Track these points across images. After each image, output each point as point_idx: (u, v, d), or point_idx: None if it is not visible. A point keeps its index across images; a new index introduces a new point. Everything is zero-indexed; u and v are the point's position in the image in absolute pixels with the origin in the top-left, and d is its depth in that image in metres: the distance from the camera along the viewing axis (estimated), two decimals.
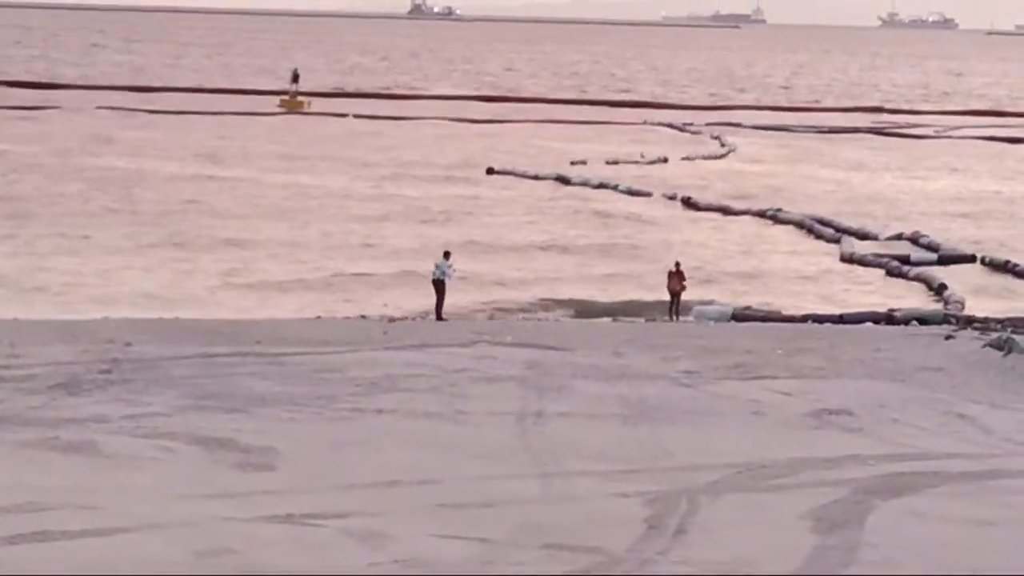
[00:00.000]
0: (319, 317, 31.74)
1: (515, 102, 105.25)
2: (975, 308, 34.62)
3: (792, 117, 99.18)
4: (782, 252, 44.35)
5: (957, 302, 34.87)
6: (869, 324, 32.11)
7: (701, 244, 44.79)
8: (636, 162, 66.57)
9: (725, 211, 51.69)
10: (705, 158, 70.53)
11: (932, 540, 15.96)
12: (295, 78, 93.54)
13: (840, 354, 26.78)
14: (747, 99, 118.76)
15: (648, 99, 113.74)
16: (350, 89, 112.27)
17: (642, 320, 32.71)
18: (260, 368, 23.84)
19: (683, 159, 69.15)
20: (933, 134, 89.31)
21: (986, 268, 41.68)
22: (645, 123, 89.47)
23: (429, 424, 20.56)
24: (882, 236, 45.72)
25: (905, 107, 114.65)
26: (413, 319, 31.29)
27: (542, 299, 35.86)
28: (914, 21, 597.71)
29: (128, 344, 25.44)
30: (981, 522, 16.68)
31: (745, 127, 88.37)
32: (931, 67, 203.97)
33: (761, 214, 50.58)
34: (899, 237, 45.37)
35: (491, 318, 32.55)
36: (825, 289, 38.74)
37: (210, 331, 27.50)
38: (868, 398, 22.92)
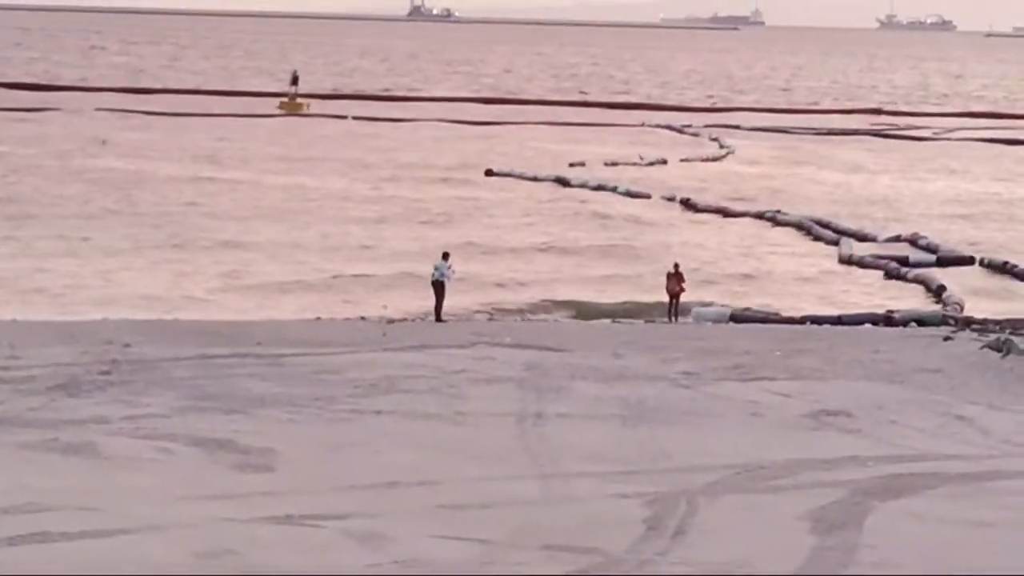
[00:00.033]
0: (318, 318, 31.76)
1: (514, 104, 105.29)
2: (974, 309, 34.64)
3: (791, 119, 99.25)
4: (781, 254, 44.37)
5: (956, 304, 34.90)
6: (868, 325, 32.13)
7: (700, 246, 44.82)
8: (635, 164, 66.60)
9: (724, 213, 51.72)
10: (704, 160, 70.57)
11: (930, 541, 15.98)
12: (294, 80, 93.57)
13: (839, 355, 26.80)
14: (746, 101, 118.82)
15: (647, 101, 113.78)
16: (349, 91, 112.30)
17: (641, 321, 32.72)
18: (259, 369, 23.85)
19: (682, 161, 69.18)
20: (932, 136, 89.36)
21: (985, 269, 41.71)
22: (644, 125, 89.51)
23: (428, 425, 20.57)
24: (881, 238, 45.75)
25: (904, 109, 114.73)
26: (412, 320, 31.31)
27: (541, 300, 35.88)
28: (912, 23, 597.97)
29: (127, 345, 25.46)
30: (979, 523, 16.71)
31: (744, 129, 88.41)
32: (929, 69, 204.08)
33: (760, 216, 50.61)
34: (898, 239, 45.40)
35: (490, 319, 32.57)
36: (824, 290, 38.76)
37: (209, 332, 27.52)
38: (866, 399, 22.94)
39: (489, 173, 61.13)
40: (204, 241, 42.66)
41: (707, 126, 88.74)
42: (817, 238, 46.61)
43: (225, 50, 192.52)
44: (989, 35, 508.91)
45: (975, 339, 28.28)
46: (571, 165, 64.22)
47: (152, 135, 73.56)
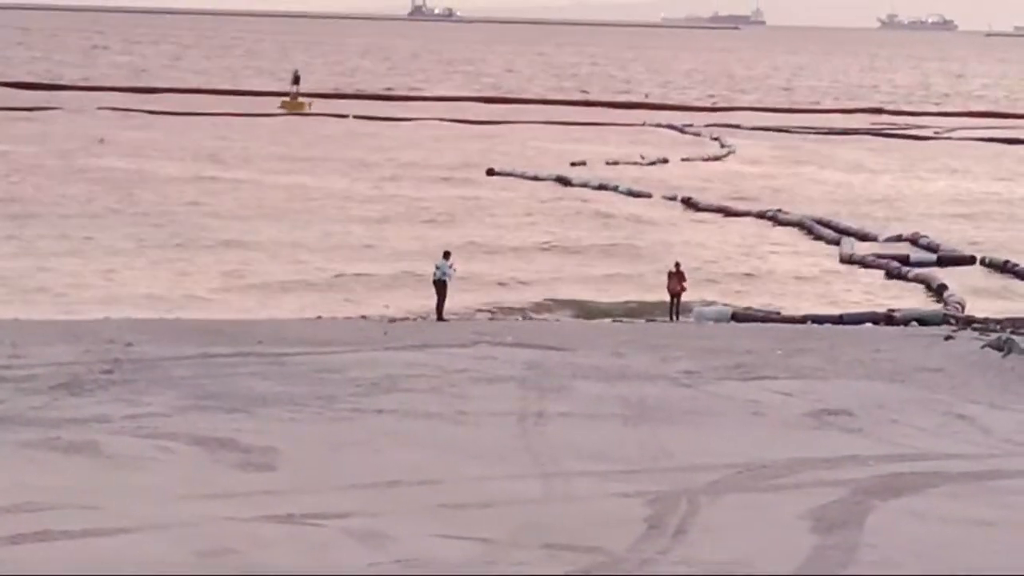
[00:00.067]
0: (320, 317, 31.78)
1: (515, 103, 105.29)
2: (975, 309, 34.65)
3: (792, 118, 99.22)
4: (782, 253, 44.38)
5: (957, 303, 34.91)
6: (869, 325, 32.14)
7: (701, 245, 44.83)
8: (636, 163, 66.61)
9: (725, 212, 51.74)
10: (705, 159, 70.58)
11: (931, 540, 15.99)
12: (296, 80, 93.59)
13: (840, 355, 26.82)
14: (747, 100, 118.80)
15: (649, 100, 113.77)
16: (351, 91, 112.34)
17: (642, 321, 32.74)
18: (261, 368, 23.87)
19: (683, 160, 69.18)
20: (933, 135, 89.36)
21: (986, 269, 41.71)
22: (645, 124, 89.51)
23: (429, 424, 20.59)
24: (882, 237, 45.76)
25: (905, 108, 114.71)
26: (414, 319, 31.32)
27: (543, 300, 35.90)
28: (913, 22, 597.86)
29: (129, 344, 25.48)
30: (980, 522, 16.72)
31: (745, 128, 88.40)
32: (930, 68, 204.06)
33: (761, 215, 50.62)
34: (899, 238, 45.41)
35: (492, 319, 32.58)
36: (825, 290, 38.78)
37: (211, 331, 27.54)
38: (867, 398, 22.96)
39: (490, 172, 61.14)
40: (206, 240, 42.69)
41: (708, 125, 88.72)
42: (818, 237, 46.63)
43: (227, 49, 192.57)
44: (990, 35, 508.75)
45: (976, 338, 28.29)
46: (572, 164, 64.23)
47: (154, 134, 73.59)
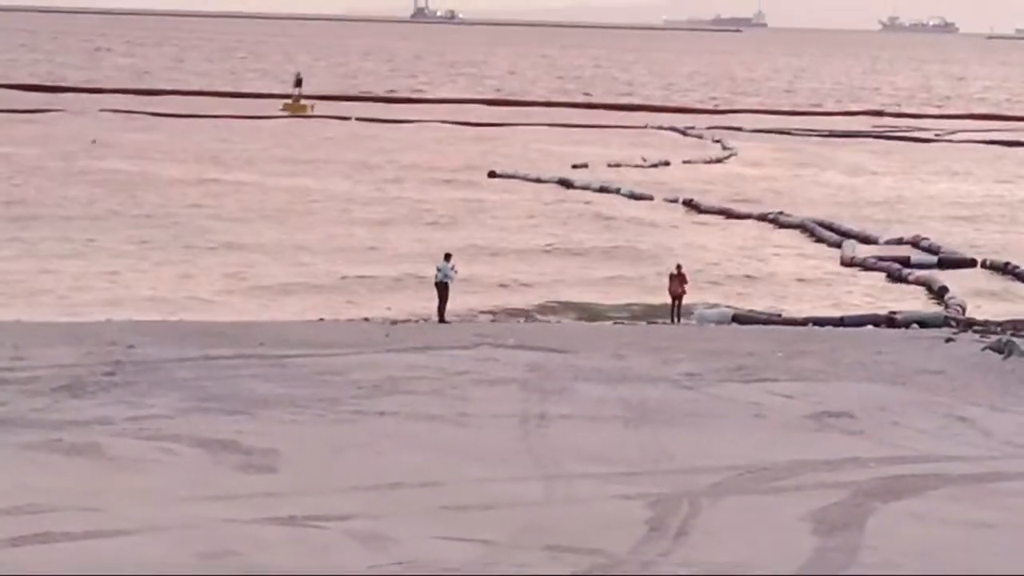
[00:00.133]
0: (321, 319, 31.81)
1: (517, 106, 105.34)
2: (975, 311, 34.67)
3: (793, 121, 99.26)
4: (783, 255, 44.41)
5: (957, 305, 34.93)
6: (870, 327, 32.16)
7: (702, 247, 44.86)
8: (638, 166, 66.65)
9: (727, 214, 51.78)
10: (707, 162, 70.61)
11: (932, 542, 16.02)
12: (298, 82, 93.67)
13: (841, 357, 26.84)
14: (749, 103, 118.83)
15: (650, 102, 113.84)
16: (353, 93, 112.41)
17: (644, 323, 32.76)
18: (262, 370, 23.91)
19: (685, 162, 69.23)
20: (934, 138, 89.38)
21: (987, 271, 41.73)
22: (647, 127, 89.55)
23: (431, 426, 20.62)
24: (883, 239, 45.78)
25: (906, 111, 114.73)
26: (415, 322, 31.35)
27: (544, 302, 35.92)
28: (915, 25, 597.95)
29: (131, 346, 25.52)
30: (981, 524, 16.74)
31: (746, 130, 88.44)
32: (932, 71, 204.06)
33: (763, 217, 50.65)
34: (900, 241, 45.43)
35: (493, 321, 32.61)
36: (826, 292, 38.80)
37: (213, 333, 27.57)
38: (868, 401, 22.98)
39: (492, 175, 61.18)
40: (208, 242, 42.73)
41: (710, 128, 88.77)
42: (819, 240, 46.66)
43: (229, 52, 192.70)
44: (991, 37, 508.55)
45: (977, 341, 28.31)
46: (574, 167, 64.28)
47: (156, 136, 73.66)
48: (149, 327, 28.46)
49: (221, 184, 56.38)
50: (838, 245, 45.01)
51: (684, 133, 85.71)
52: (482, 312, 33.91)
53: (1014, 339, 27.32)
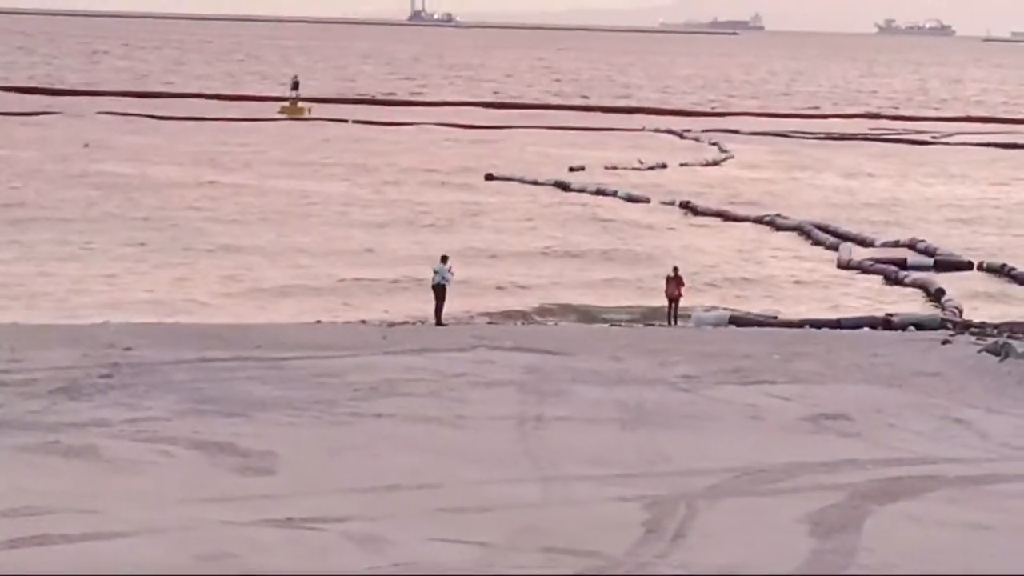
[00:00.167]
0: (319, 322, 31.82)
1: (515, 108, 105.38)
2: (972, 313, 34.71)
3: (790, 123, 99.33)
4: (780, 258, 44.45)
5: (954, 307, 34.97)
6: (866, 329, 32.20)
7: (699, 249, 44.90)
8: (635, 168, 66.69)
9: (724, 217, 51.82)
10: (704, 164, 70.67)
11: (929, 544, 16.04)
12: (295, 85, 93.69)
13: (838, 359, 26.86)
14: (746, 105, 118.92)
15: (647, 105, 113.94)
16: (351, 95, 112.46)
17: (640, 325, 32.79)
18: (259, 372, 23.91)
19: (682, 165, 69.28)
20: (931, 140, 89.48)
21: (983, 274, 41.79)
22: (644, 129, 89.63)
23: (428, 428, 20.63)
24: (880, 242, 45.83)
25: (903, 113, 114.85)
26: (412, 324, 31.37)
27: (541, 304, 35.94)
28: (911, 28, 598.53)
29: (128, 348, 25.52)
30: (977, 526, 16.77)
31: (744, 133, 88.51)
32: (928, 74, 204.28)
33: (759, 220, 50.70)
34: (897, 243, 45.49)
35: (490, 323, 32.62)
36: (823, 294, 38.84)
37: (210, 336, 27.58)
38: (865, 403, 23.00)
39: (489, 177, 61.21)
40: (206, 245, 42.74)
41: (707, 130, 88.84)
42: (816, 242, 46.70)
43: (227, 54, 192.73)
44: (987, 40, 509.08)
45: (973, 343, 28.34)
46: (571, 169, 64.32)
47: (154, 139, 73.67)
48: (146, 329, 28.46)
49: (219, 187, 56.38)
50: (835, 248, 45.05)
51: (681, 136, 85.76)
52: (479, 314, 33.93)
53: (1010, 341, 27.36)
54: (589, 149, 75.43)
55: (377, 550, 15.21)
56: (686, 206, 53.85)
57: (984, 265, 42.31)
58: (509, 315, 34.23)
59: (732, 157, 73.89)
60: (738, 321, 32.86)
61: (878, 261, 42.03)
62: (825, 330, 31.91)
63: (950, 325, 32.21)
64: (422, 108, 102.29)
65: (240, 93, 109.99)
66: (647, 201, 55.22)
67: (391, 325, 30.87)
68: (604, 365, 25.57)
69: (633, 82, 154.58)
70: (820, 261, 43.81)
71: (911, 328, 32.23)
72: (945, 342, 28.69)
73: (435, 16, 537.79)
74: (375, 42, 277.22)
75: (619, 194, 56.50)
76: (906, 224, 51.49)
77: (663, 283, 33.24)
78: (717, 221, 51.22)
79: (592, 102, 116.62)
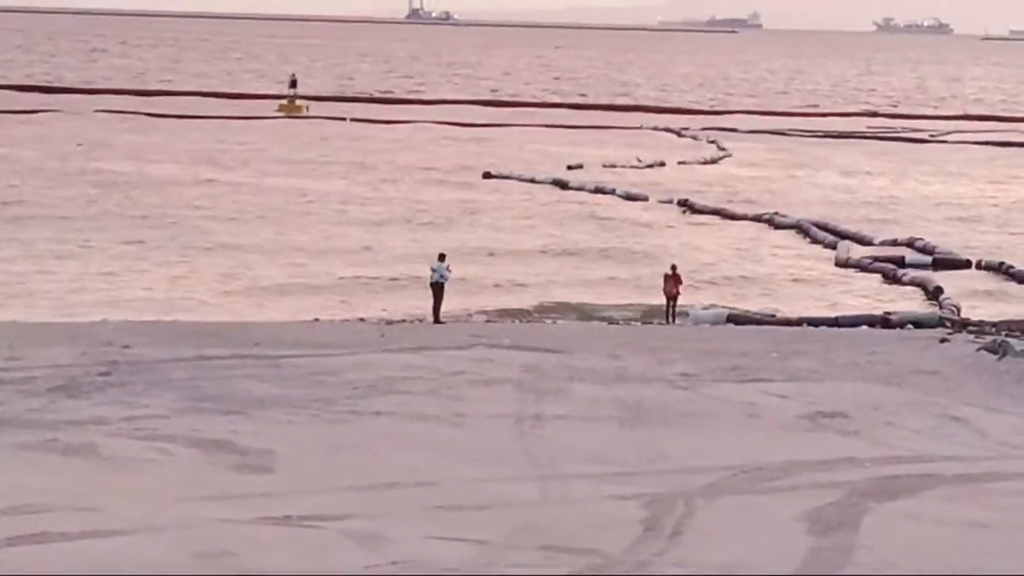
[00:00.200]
0: (317, 320, 31.82)
1: (513, 106, 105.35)
2: (970, 312, 34.72)
3: (789, 121, 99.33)
4: (778, 256, 44.46)
5: (952, 306, 34.99)
6: (864, 327, 32.21)
7: (698, 248, 44.91)
8: (633, 166, 66.70)
9: (722, 215, 51.84)
10: (702, 163, 70.67)
11: (927, 542, 16.06)
12: (293, 83, 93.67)
13: (835, 357, 26.88)
14: (744, 104, 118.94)
15: (646, 103, 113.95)
16: (349, 93, 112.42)
17: (639, 323, 32.80)
18: (258, 371, 23.92)
19: (680, 163, 69.28)
20: (929, 138, 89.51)
21: (981, 272, 41.82)
22: (642, 127, 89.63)
23: (426, 427, 20.64)
24: (878, 240, 45.85)
25: (901, 112, 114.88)
26: (410, 322, 31.37)
27: (539, 302, 35.95)
28: (909, 26, 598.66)
29: (127, 347, 25.52)
30: (975, 524, 16.79)
31: (742, 131, 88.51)
32: (927, 72, 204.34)
33: (758, 218, 50.71)
34: (895, 242, 45.50)
35: (488, 321, 32.62)
36: (821, 292, 38.85)
37: (208, 334, 27.58)
38: (863, 401, 23.02)
39: (488, 176, 61.21)
40: (204, 243, 42.73)
41: (705, 129, 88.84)
42: (815, 241, 46.72)
43: (225, 53, 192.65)
44: (985, 38, 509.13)
45: (971, 341, 28.36)
46: (569, 168, 64.32)
47: (152, 137, 73.63)
48: (145, 327, 28.46)
49: (217, 185, 56.37)
50: (833, 246, 45.07)
51: (679, 134, 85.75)
52: (477, 312, 33.93)
53: (1008, 340, 27.38)
54: (587, 147, 75.43)
55: (375, 548, 15.22)
56: (684, 204, 53.85)
57: (982, 263, 42.33)
58: (507, 313, 34.22)
59: (730, 155, 73.90)
60: (736, 319, 32.88)
61: (876, 259, 42.04)
62: (823, 328, 31.92)
63: (948, 323, 32.23)
64: (420, 106, 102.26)
65: (238, 91, 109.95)
66: (645, 199, 55.23)
67: (389, 323, 30.87)
68: (602, 363, 25.58)
69: (631, 80, 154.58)
70: (818, 259, 43.83)
71: (909, 326, 32.24)
72: (943, 340, 28.70)
73: (433, 14, 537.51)
74: (373, 40, 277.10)
75: (617, 192, 56.50)
76: (904, 222, 51.52)
77: (661, 281, 33.25)
78: (715, 219, 51.23)
79: (590, 100, 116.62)
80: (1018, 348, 26.46)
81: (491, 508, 16.78)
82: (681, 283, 32.73)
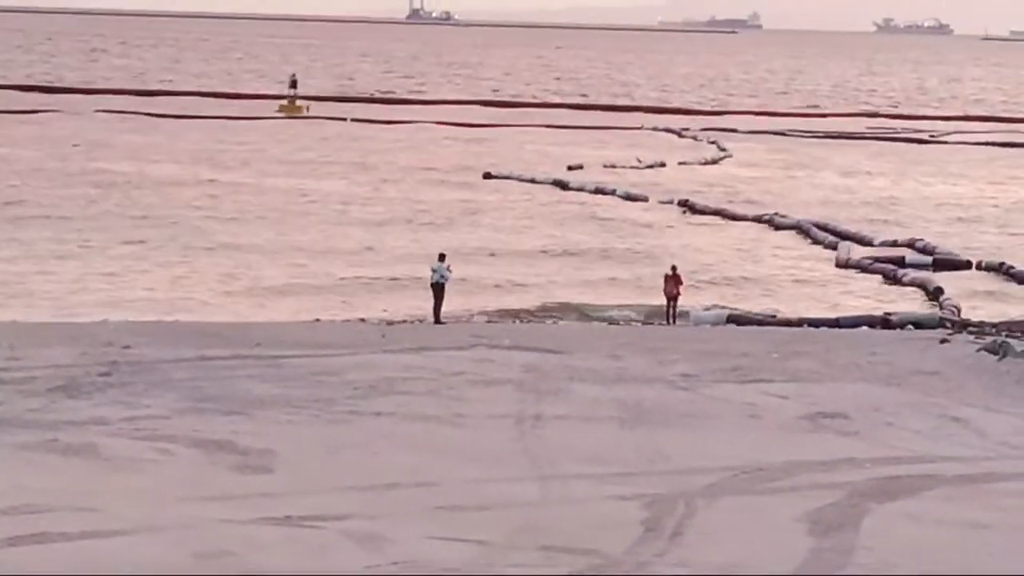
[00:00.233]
0: (317, 320, 31.83)
1: (513, 107, 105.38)
2: (970, 312, 34.73)
3: (789, 122, 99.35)
4: (779, 256, 44.48)
5: (952, 306, 35.00)
6: (865, 328, 32.21)
7: (698, 248, 44.92)
8: (634, 167, 66.71)
9: (723, 215, 51.85)
10: (702, 163, 70.68)
11: (927, 543, 16.07)
12: (293, 84, 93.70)
13: (836, 358, 26.89)
14: (744, 104, 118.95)
15: (646, 104, 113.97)
16: (349, 94, 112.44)
17: (639, 323, 32.81)
18: (258, 371, 23.93)
19: (680, 164, 69.29)
20: (929, 139, 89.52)
21: (982, 273, 41.83)
22: (642, 128, 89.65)
23: (427, 427, 20.65)
24: (878, 241, 45.86)
25: (901, 112, 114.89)
26: (411, 322, 31.38)
27: (540, 303, 35.95)
28: (909, 26, 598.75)
29: (127, 347, 25.53)
30: (975, 525, 16.80)
31: (742, 132, 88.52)
32: (927, 72, 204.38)
33: (758, 219, 50.72)
34: (895, 242, 45.51)
35: (489, 322, 32.63)
36: (821, 293, 38.86)
37: (209, 334, 27.59)
38: (863, 402, 23.03)
39: (488, 176, 61.22)
40: (204, 243, 42.75)
41: (705, 129, 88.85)
42: (815, 241, 46.73)
43: (225, 53, 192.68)
44: (986, 39, 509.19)
45: (972, 342, 28.37)
46: (570, 168, 64.33)
47: (153, 137, 73.65)
48: (145, 328, 28.47)
49: (218, 185, 56.38)
50: (833, 246, 45.07)
51: (680, 134, 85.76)
52: (478, 313, 33.94)
53: (1009, 340, 27.39)
54: (588, 147, 75.44)
55: (376, 548, 15.22)
56: (685, 205, 53.86)
57: (982, 264, 42.33)
58: (508, 313, 34.23)
59: (731, 156, 73.90)
60: (737, 320, 32.88)
61: (877, 260, 42.05)
62: (823, 329, 31.92)
63: (948, 324, 32.23)
64: (420, 106, 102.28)
65: (238, 91, 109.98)
66: (646, 200, 55.24)
67: (390, 323, 30.88)
68: (603, 364, 25.59)
69: (632, 80, 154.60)
70: (819, 260, 43.84)
71: (909, 327, 32.26)
72: (943, 341, 28.71)
73: (433, 14, 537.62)
74: (373, 40, 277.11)
75: (618, 193, 56.51)
76: (905, 223, 51.53)
77: (662, 282, 33.25)
78: (716, 220, 51.24)
79: (591, 100, 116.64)
80: (1018, 349, 26.47)
81: (491, 508, 16.78)
82: (681, 284, 32.74)
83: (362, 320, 31.89)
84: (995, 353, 26.48)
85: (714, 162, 71.60)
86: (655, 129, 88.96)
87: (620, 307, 35.29)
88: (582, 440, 20.15)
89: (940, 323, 32.48)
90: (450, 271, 31.45)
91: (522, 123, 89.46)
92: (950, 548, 15.92)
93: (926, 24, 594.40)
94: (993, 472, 19.27)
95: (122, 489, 17.13)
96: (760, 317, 33.43)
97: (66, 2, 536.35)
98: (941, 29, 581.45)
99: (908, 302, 36.82)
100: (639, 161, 68.46)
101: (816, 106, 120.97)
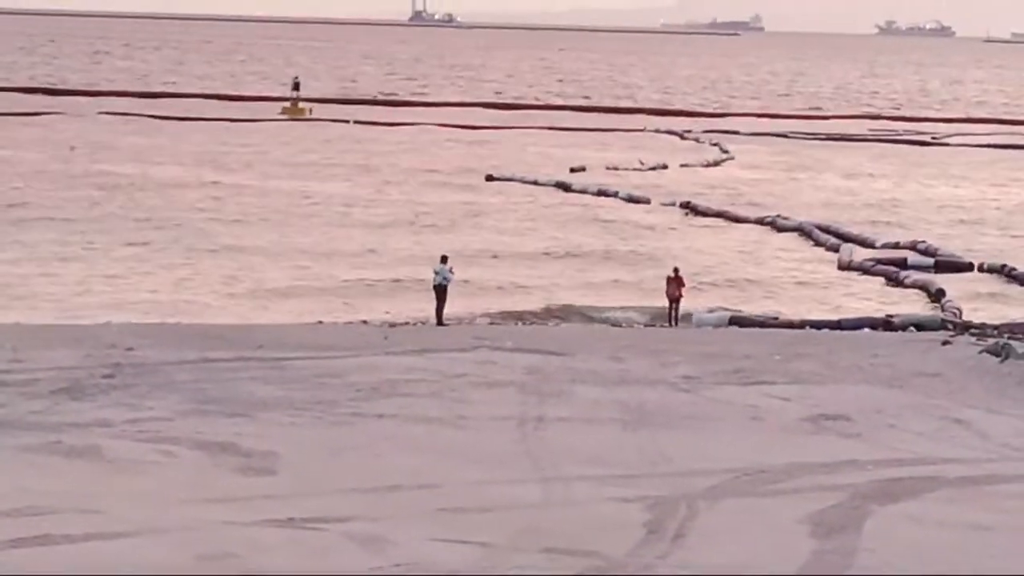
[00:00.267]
0: (320, 322, 31.87)
1: (516, 109, 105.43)
2: (972, 314, 34.74)
3: (791, 124, 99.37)
4: (781, 258, 44.50)
5: (954, 308, 35.01)
6: (867, 330, 32.24)
7: (700, 250, 44.95)
8: (636, 169, 66.74)
9: (725, 217, 51.87)
10: (705, 165, 70.71)
11: (929, 544, 16.08)
12: (296, 86, 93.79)
13: (838, 360, 26.91)
14: (747, 106, 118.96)
15: (648, 106, 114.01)
16: (352, 96, 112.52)
17: (641, 325, 32.83)
18: (261, 373, 23.96)
19: (682, 166, 69.31)
20: (931, 141, 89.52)
21: (984, 274, 41.85)
22: (645, 130, 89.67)
23: (429, 429, 20.68)
24: (880, 243, 45.88)
25: (903, 114, 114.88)
26: (413, 324, 31.42)
27: (542, 305, 35.98)
28: (911, 29, 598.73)
29: (130, 349, 25.57)
30: (977, 527, 16.81)
31: (744, 134, 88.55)
32: (929, 74, 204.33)
33: (760, 221, 50.75)
34: (897, 244, 45.53)
35: (491, 324, 32.67)
36: (823, 295, 38.88)
37: (212, 336, 27.63)
38: (866, 403, 23.05)
39: (490, 178, 61.25)
40: (207, 245, 42.80)
41: (708, 131, 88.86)
42: (817, 243, 46.75)
43: (228, 55, 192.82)
44: (988, 41, 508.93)
45: (973, 343, 28.38)
46: (572, 170, 64.37)
47: (156, 139, 73.74)
48: (148, 330, 28.51)
49: (221, 187, 56.44)
50: (836, 248, 45.10)
51: (682, 136, 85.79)
52: (480, 315, 33.97)
53: (1011, 342, 27.39)
54: (590, 149, 75.47)
55: (378, 550, 15.25)
56: (687, 207, 53.88)
57: (984, 266, 42.35)
58: (510, 315, 34.26)
59: (733, 158, 73.92)
60: (739, 322, 32.91)
61: (879, 262, 42.07)
62: (825, 331, 31.95)
63: (950, 326, 32.25)
64: (423, 108, 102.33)
65: (241, 93, 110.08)
66: (648, 202, 55.26)
67: (392, 325, 30.91)
68: (605, 366, 25.62)
69: (634, 82, 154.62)
70: (821, 262, 43.86)
71: (911, 329, 32.27)
72: (945, 343, 28.73)
73: (436, 16, 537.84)
74: (376, 42, 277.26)
75: (620, 195, 56.53)
76: (907, 225, 51.54)
77: (664, 284, 33.28)
78: (718, 222, 51.27)
79: (593, 102, 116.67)
80: (1020, 350, 26.48)
81: (494, 510, 16.81)
82: (684, 286, 32.77)
83: (365, 322, 31.93)
84: (997, 355, 26.49)
85: (716, 164, 71.61)
86: (657, 131, 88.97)
87: (622, 309, 35.32)
88: (584, 442, 20.18)
89: (942, 325, 32.49)
90: (452, 273, 31.49)
91: (525, 125, 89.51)
92: (952, 550, 15.94)
93: (928, 26, 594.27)
94: (995, 474, 19.29)
95: (125, 491, 17.16)
96: (762, 319, 33.46)
97: (69, 4, 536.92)
98: (943, 31, 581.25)
99: (910, 304, 36.84)
100: (641, 163, 68.49)
101: (818, 108, 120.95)
